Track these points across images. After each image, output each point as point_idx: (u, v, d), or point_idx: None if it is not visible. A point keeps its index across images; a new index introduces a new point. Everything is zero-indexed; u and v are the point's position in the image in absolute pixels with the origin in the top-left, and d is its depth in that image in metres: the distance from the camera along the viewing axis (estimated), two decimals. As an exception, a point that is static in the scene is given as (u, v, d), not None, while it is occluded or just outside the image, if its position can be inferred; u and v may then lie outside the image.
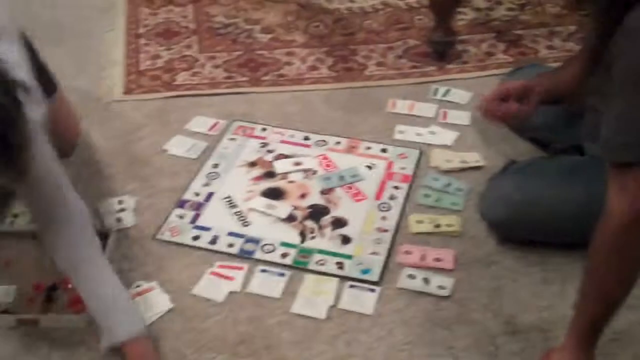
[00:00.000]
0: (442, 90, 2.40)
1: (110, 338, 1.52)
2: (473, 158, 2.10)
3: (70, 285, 1.64)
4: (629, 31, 1.38)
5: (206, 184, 2.01)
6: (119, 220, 1.89)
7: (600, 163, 1.60)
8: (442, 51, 2.54)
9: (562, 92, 1.91)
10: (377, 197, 1.97)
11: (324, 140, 2.17)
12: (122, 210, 1.92)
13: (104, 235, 1.76)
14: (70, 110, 2.10)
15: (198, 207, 1.94)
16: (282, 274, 1.74)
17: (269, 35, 2.72)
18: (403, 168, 2.07)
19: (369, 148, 2.14)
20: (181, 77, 2.48)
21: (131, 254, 1.80)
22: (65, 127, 2.04)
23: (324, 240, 1.83)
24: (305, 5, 2.93)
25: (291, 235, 1.85)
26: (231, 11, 2.89)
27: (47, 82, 1.88)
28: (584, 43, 1.89)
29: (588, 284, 1.47)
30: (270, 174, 2.05)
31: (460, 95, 2.37)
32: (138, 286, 1.71)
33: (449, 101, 2.35)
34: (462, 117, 2.27)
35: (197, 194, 1.98)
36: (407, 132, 2.21)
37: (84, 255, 1.58)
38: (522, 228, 1.78)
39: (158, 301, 1.67)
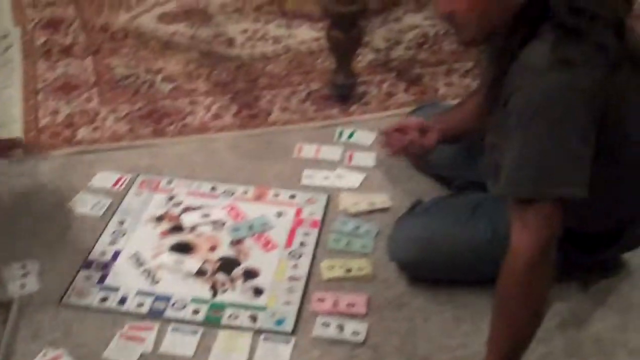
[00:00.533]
0: (346, 132, 2.43)
1: None
2: (380, 199, 2.12)
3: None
4: (523, 67, 1.43)
5: (112, 242, 1.97)
6: (22, 286, 1.82)
7: (502, 199, 1.65)
8: (344, 94, 2.58)
9: (460, 130, 1.96)
10: (288, 244, 1.96)
11: (232, 190, 2.16)
12: (26, 274, 1.86)
13: (5, 305, 1.70)
14: None
15: (105, 266, 1.89)
16: (194, 332, 1.71)
17: (171, 85, 2.71)
18: (312, 213, 2.07)
19: (277, 195, 2.14)
20: (82, 132, 2.43)
21: (37, 321, 1.74)
22: None
23: (236, 294, 1.81)
24: (206, 52, 2.93)
25: (202, 290, 1.82)
26: (131, 62, 2.86)
27: None
28: (480, 80, 1.95)
29: (498, 320, 1.50)
30: (178, 228, 2.02)
31: (364, 136, 2.40)
32: (44, 354, 1.65)
33: (353, 143, 2.38)
34: (368, 159, 2.30)
35: (103, 253, 1.93)
36: (315, 177, 2.22)
37: None
38: (431, 267, 1.81)
39: (67, 369, 1.62)
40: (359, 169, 2.26)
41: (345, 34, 2.43)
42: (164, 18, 3.22)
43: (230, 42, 3.01)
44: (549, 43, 1.40)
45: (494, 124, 1.59)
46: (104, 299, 1.79)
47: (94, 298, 1.80)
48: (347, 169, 2.26)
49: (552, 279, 1.48)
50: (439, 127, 1.99)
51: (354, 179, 2.21)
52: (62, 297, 1.80)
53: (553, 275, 1.48)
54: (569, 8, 1.40)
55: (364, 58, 2.85)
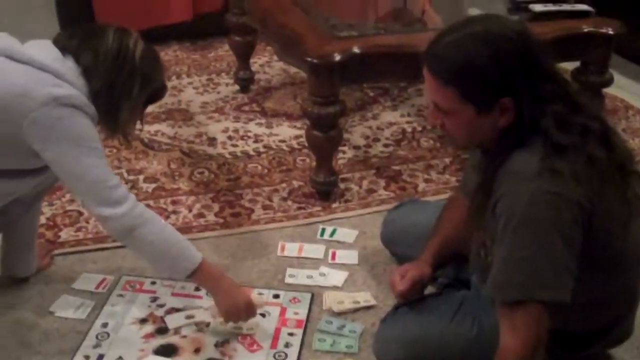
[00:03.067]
0: (329, 230, 2.45)
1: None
2: (364, 298, 2.13)
3: None
4: (511, 173, 1.48)
5: (96, 346, 1.95)
6: (4, 393, 1.80)
7: (485, 298, 1.67)
8: (325, 191, 2.61)
9: (449, 249, 1.96)
10: (273, 345, 1.95)
11: (216, 290, 2.16)
12: (8, 381, 1.83)
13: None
14: None
15: (89, 371, 1.87)
16: None
17: (153, 185, 2.73)
18: (296, 313, 2.07)
19: (261, 294, 2.14)
20: (65, 234, 2.43)
21: None
22: None
23: (222, 397, 1.79)
24: (188, 152, 2.97)
25: (187, 394, 1.80)
26: (114, 162, 2.89)
27: None
28: (462, 182, 1.99)
29: None
30: (162, 330, 2.01)
31: (346, 234, 2.43)
32: None
33: (336, 241, 2.40)
34: (351, 256, 2.32)
35: (86, 357, 1.91)
36: (298, 276, 2.23)
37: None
38: (418, 367, 1.81)
39: None
40: (342, 266, 2.27)
41: (325, 134, 2.49)
42: (145, 118, 3.25)
43: (212, 141, 3.05)
44: (538, 154, 1.46)
45: (482, 225, 1.64)
46: (87, 406, 1.77)
47: (77, 405, 1.77)
48: (330, 266, 2.27)
49: None
50: (428, 274, 1.94)
51: (338, 277, 2.23)
52: (44, 405, 1.77)
53: None
54: (558, 128, 1.47)
55: (344, 155, 2.91)
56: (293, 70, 3.67)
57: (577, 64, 2.76)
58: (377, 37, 2.46)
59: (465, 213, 1.77)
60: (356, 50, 2.34)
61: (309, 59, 2.35)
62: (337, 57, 2.32)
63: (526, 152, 1.49)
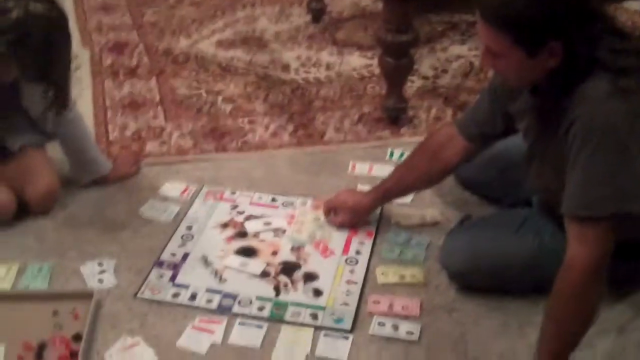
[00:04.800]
0: (397, 152, 2.57)
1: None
2: (431, 214, 2.25)
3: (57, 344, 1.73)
4: (583, 98, 1.56)
5: (182, 245, 2.12)
6: (100, 281, 1.98)
7: (547, 216, 1.77)
8: (395, 117, 2.72)
9: (395, 190, 2.17)
10: (345, 252, 2.10)
11: (291, 201, 2.31)
12: (103, 272, 2.01)
13: (87, 296, 1.86)
14: (38, 168, 2.25)
15: (175, 266, 2.04)
16: (260, 326, 1.84)
17: (231, 105, 2.87)
18: (367, 224, 2.20)
19: (333, 207, 2.28)
20: (150, 146, 2.60)
21: (115, 312, 1.89)
22: (32, 179, 2.21)
23: (298, 294, 1.95)
24: (263, 76, 3.09)
25: (266, 289, 1.96)
26: (193, 83, 3.04)
27: None
28: (465, 125, 2.07)
29: (550, 324, 1.62)
30: (242, 234, 2.17)
31: (414, 156, 2.54)
32: (124, 342, 1.79)
33: (404, 163, 2.51)
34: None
35: (173, 254, 2.08)
36: (368, 191, 2.36)
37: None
38: (479, 277, 1.93)
39: (144, 355, 1.76)
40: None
41: (397, 61, 2.59)
42: (222, 44, 3.41)
43: (285, 67, 3.18)
44: (605, 78, 1.55)
45: (540, 156, 1.73)
46: (175, 295, 1.94)
47: (166, 294, 1.94)
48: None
49: (603, 290, 1.61)
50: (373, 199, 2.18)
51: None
52: (136, 292, 1.95)
53: (604, 287, 1.60)
54: (615, 55, 1.55)
55: (413, 84, 3.00)
56: (364, 2, 3.75)
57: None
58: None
59: (444, 154, 2.04)
60: (432, -22, 2.42)
61: (385, -14, 2.44)
62: (413, -15, 2.41)
63: (594, 79, 1.57)
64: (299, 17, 3.69)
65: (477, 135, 2.02)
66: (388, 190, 2.15)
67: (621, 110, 1.54)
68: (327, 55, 3.28)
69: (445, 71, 3.15)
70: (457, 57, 3.27)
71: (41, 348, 1.76)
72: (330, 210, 2.20)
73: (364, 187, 2.37)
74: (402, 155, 2.55)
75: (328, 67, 3.18)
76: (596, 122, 1.55)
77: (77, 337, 1.78)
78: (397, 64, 2.59)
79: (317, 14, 3.62)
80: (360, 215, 2.18)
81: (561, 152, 1.62)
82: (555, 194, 1.67)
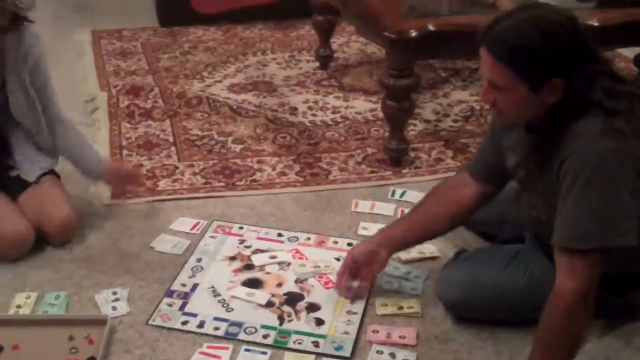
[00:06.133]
0: (399, 191, 2.69)
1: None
2: (429, 249, 2.35)
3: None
4: (577, 135, 1.68)
5: (191, 276, 2.23)
6: (114, 308, 2.09)
7: (538, 250, 1.88)
8: (397, 157, 2.85)
9: (405, 240, 2.14)
10: (346, 284, 2.20)
11: (296, 237, 2.42)
12: (117, 300, 2.12)
13: (102, 322, 1.97)
14: (56, 201, 2.37)
15: (185, 296, 2.15)
16: (264, 352, 1.94)
17: (241, 146, 3.01)
18: (370, 260, 2.31)
19: (336, 242, 2.40)
20: (163, 184, 2.73)
21: (127, 338, 1.99)
22: (48, 214, 2.33)
23: (300, 323, 2.05)
24: (272, 119, 3.23)
25: (271, 318, 2.06)
26: (205, 125, 3.18)
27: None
28: (473, 166, 2.15)
29: (537, 351, 1.71)
30: (249, 266, 2.28)
31: (415, 196, 2.63)
32: (135, 365, 1.90)
33: (405, 201, 2.63)
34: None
35: (183, 285, 2.19)
36: (370, 228, 2.46)
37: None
38: (473, 308, 2.03)
39: (154, 378, 1.87)
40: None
41: (399, 104, 2.72)
42: (233, 88, 3.56)
43: (294, 110, 3.32)
44: (598, 118, 1.68)
45: (534, 188, 1.84)
46: (185, 322, 2.04)
47: (176, 321, 2.05)
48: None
49: (590, 319, 1.70)
50: (385, 253, 2.10)
51: (406, 231, 2.46)
52: (148, 320, 2.06)
53: (591, 316, 1.70)
54: (609, 97, 1.68)
55: (415, 128, 3.13)
56: (370, 49, 3.91)
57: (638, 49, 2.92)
58: (451, 17, 2.66)
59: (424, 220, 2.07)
60: (431, 27, 2.56)
61: (387, 34, 2.59)
62: (413, 34, 2.55)
63: (588, 117, 1.69)
64: (308, 63, 3.85)
65: (488, 174, 2.06)
66: (401, 239, 2.12)
67: (612, 149, 1.64)
68: (333, 100, 3.43)
69: (447, 115, 3.28)
70: (459, 101, 3.40)
71: (57, 370, 1.87)
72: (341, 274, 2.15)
73: (366, 225, 2.49)
74: (403, 194, 2.67)
75: (334, 110, 3.32)
76: (588, 160, 1.65)
77: (92, 361, 1.89)
78: (399, 106, 2.72)
79: (325, 60, 3.78)
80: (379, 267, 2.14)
81: (553, 187, 1.72)
82: (547, 226, 1.77)
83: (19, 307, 2.09)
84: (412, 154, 2.92)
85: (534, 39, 1.64)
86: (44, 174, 2.44)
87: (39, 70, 2.36)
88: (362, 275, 2.12)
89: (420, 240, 2.18)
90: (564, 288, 1.68)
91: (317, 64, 3.80)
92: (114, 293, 2.15)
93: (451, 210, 2.11)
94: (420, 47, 2.59)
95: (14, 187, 2.39)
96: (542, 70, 1.67)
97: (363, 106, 3.36)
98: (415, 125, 3.16)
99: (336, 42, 4.02)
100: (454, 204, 2.10)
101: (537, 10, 1.71)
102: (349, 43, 4.10)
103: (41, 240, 2.35)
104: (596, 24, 2.56)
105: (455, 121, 3.24)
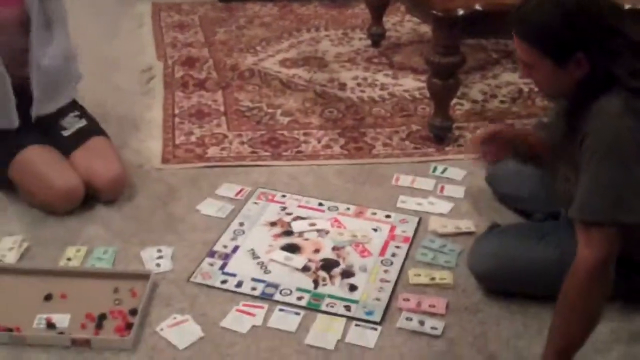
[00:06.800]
0: (440, 168, 2.73)
1: None
2: (466, 225, 2.40)
3: (116, 316, 1.96)
4: (599, 112, 1.73)
5: (233, 239, 2.32)
6: (158, 265, 2.19)
7: (571, 227, 1.92)
8: (440, 135, 2.89)
9: (527, 148, 2.22)
10: (381, 254, 2.27)
11: (336, 206, 2.49)
12: (161, 257, 2.23)
13: (145, 277, 2.08)
14: (107, 160, 2.50)
15: (226, 257, 2.24)
16: (297, 313, 2.03)
17: (289, 118, 3.09)
18: (404, 231, 2.37)
19: (374, 214, 2.46)
20: (212, 151, 2.83)
21: (168, 293, 2.09)
22: (98, 170, 2.45)
23: (334, 288, 2.12)
24: (320, 93, 3.30)
25: (306, 282, 2.14)
26: (255, 97, 3.27)
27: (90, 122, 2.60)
28: (548, 120, 2.23)
29: (557, 318, 1.76)
30: (288, 233, 2.36)
31: (456, 172, 2.70)
32: (175, 318, 2.00)
33: (446, 177, 2.68)
34: (458, 191, 2.59)
35: (225, 246, 2.29)
36: (409, 202, 2.52)
37: None
38: (504, 280, 2.07)
39: (191, 331, 1.96)
40: (449, 198, 2.55)
41: (444, 82, 2.76)
42: (285, 63, 3.64)
43: (342, 86, 3.38)
44: (621, 97, 1.71)
45: (567, 159, 1.88)
46: (224, 282, 2.14)
47: (215, 280, 2.14)
48: (438, 197, 2.55)
49: (608, 291, 1.73)
50: (508, 134, 2.27)
51: (444, 206, 2.51)
52: (189, 277, 2.16)
53: (609, 289, 1.73)
54: (630, 74, 1.71)
55: (462, 107, 3.17)
56: (422, 29, 3.94)
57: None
58: (499, -3, 2.69)
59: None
60: (478, 7, 2.59)
61: (435, 12, 2.62)
62: (460, 12, 2.59)
63: (611, 95, 1.73)
64: (360, 41, 3.90)
65: None
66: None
67: (630, 128, 1.68)
68: (382, 77, 3.48)
69: (494, 96, 3.31)
70: (507, 83, 3.42)
71: (101, 318, 1.97)
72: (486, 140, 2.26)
73: (405, 198, 2.55)
74: (444, 170, 2.71)
75: (382, 87, 3.37)
76: (606, 137, 1.70)
77: (134, 312, 1.99)
78: (443, 84, 2.76)
79: (377, 38, 3.82)
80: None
81: (578, 160, 1.78)
82: None
83: (69, 259, 2.21)
84: (457, 132, 2.96)
85: (553, 18, 1.71)
86: (95, 134, 2.56)
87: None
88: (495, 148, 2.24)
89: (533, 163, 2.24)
90: (582, 259, 1.72)
91: (369, 41, 3.85)
92: (159, 251, 2.25)
93: None
94: (466, 26, 2.62)
95: (66, 145, 2.51)
96: (563, 46, 1.74)
97: (411, 84, 3.40)
98: (462, 104, 3.19)
99: (389, 21, 4.06)
100: None
101: None
102: (402, 22, 4.13)
103: (92, 199, 2.46)
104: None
105: (502, 102, 3.26)
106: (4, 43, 2.40)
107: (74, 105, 2.63)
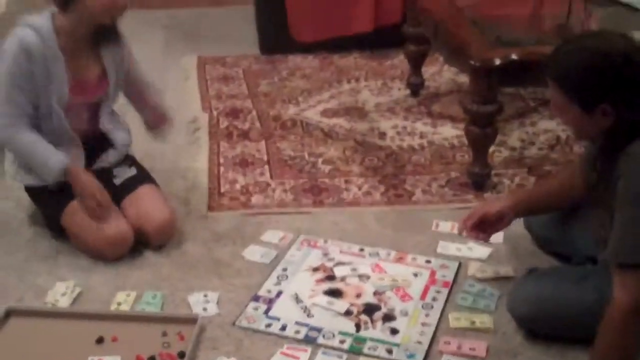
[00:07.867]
0: (479, 214, 2.78)
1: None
2: (505, 270, 2.44)
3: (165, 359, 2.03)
4: (630, 157, 1.78)
5: (277, 284, 2.39)
6: (204, 309, 2.27)
7: (609, 270, 1.96)
8: (479, 182, 2.94)
9: (537, 205, 2.34)
10: (422, 298, 2.31)
11: (377, 252, 2.55)
12: (207, 302, 2.30)
13: (193, 321, 2.15)
14: (156, 205, 2.60)
15: (270, 301, 2.31)
16: (340, 357, 2.08)
17: (330, 166, 3.17)
18: (444, 276, 2.42)
19: (414, 259, 2.51)
20: (255, 199, 2.91)
21: (215, 336, 2.16)
22: (148, 215, 2.55)
23: (376, 331, 2.17)
24: (361, 142, 3.39)
25: (348, 326, 2.20)
26: (297, 146, 3.36)
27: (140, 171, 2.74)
28: (579, 162, 2.28)
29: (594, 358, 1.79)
30: (330, 277, 2.42)
31: (495, 218, 2.74)
32: (221, 360, 2.07)
33: (485, 223, 2.72)
34: (497, 236, 2.57)
35: (269, 291, 2.36)
36: (449, 248, 2.57)
37: None
38: (543, 323, 2.10)
39: (238, 373, 2.03)
40: (488, 244, 2.58)
41: (482, 130, 2.83)
42: (326, 113, 3.73)
43: (382, 135, 3.46)
44: None
45: (602, 205, 1.93)
46: (268, 325, 2.20)
47: (260, 324, 2.21)
48: (477, 243, 2.59)
49: None
50: (512, 215, 2.33)
51: (483, 251, 2.55)
52: (235, 321, 2.22)
53: None
54: None
55: (500, 154, 3.22)
56: (461, 79, 4.01)
57: None
58: (535, 46, 2.75)
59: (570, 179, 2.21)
60: (514, 56, 2.66)
61: (472, 62, 2.70)
62: (497, 62, 2.66)
63: (638, 142, 1.79)
64: (399, 90, 3.99)
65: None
66: (527, 204, 2.34)
67: None
68: (421, 126, 3.55)
69: (532, 143, 3.35)
70: (545, 130, 3.47)
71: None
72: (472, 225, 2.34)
73: (445, 244, 2.59)
74: (483, 216, 2.75)
75: (422, 136, 3.44)
76: (636, 181, 1.75)
77: (182, 355, 2.06)
78: (482, 132, 2.83)
79: (416, 88, 3.90)
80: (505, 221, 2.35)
81: (611, 204, 1.83)
82: None
83: (119, 303, 2.30)
84: (495, 179, 3.01)
85: (582, 67, 1.80)
86: (145, 182, 2.66)
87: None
88: (486, 230, 2.35)
89: (546, 209, 2.37)
90: (618, 300, 1.77)
91: (408, 91, 3.93)
92: (205, 295, 2.33)
93: (568, 191, 2.26)
94: (503, 75, 2.70)
95: (117, 193, 2.61)
96: (588, 96, 1.82)
97: (450, 132, 3.47)
98: (500, 152, 3.24)
99: (428, 71, 4.14)
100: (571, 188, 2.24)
101: (593, 40, 1.84)
102: (441, 72, 4.21)
103: (141, 245, 2.56)
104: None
105: (540, 149, 3.30)
106: (79, 115, 2.62)
107: (125, 155, 2.74)
